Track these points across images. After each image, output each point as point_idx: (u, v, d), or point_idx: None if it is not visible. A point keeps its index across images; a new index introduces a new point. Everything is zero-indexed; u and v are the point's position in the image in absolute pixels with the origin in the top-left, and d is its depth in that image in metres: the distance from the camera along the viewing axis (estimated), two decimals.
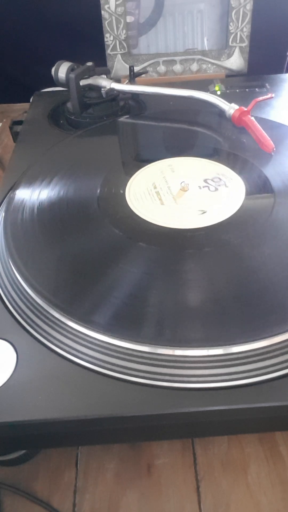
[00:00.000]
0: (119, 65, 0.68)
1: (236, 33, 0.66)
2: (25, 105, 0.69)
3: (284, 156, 0.46)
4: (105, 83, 0.55)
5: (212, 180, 0.43)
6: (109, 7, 0.63)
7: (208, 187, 0.42)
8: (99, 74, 0.57)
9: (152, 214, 0.39)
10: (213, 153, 0.47)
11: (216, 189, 0.42)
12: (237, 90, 0.62)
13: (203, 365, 0.29)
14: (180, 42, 0.69)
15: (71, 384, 0.28)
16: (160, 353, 0.29)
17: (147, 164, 0.46)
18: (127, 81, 0.61)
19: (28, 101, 0.64)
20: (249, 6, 0.64)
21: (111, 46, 0.66)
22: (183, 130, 0.53)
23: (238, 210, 0.39)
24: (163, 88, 0.56)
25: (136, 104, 0.60)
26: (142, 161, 0.47)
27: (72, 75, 0.53)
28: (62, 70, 0.55)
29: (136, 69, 0.64)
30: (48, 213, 0.40)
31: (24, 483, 0.35)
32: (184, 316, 0.31)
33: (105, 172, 0.45)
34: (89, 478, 0.35)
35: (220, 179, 0.43)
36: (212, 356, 0.29)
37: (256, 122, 0.49)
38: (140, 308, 0.31)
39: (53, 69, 0.56)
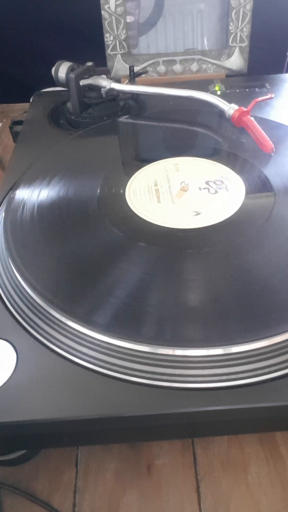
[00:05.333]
0: (119, 65, 0.68)
1: (236, 33, 0.66)
2: (25, 105, 0.69)
3: (284, 156, 0.46)
4: (105, 83, 0.55)
5: (214, 182, 0.43)
6: (109, 7, 0.63)
7: (209, 188, 0.42)
8: (99, 74, 0.57)
9: (152, 214, 0.39)
10: (213, 153, 0.47)
11: (217, 192, 0.42)
12: (237, 90, 0.62)
13: (203, 365, 0.29)
14: (180, 42, 0.69)
15: (71, 384, 0.28)
16: (160, 353, 0.29)
17: (147, 164, 0.46)
18: (127, 81, 0.61)
19: (28, 101, 0.64)
20: (249, 6, 0.64)
21: (111, 46, 0.66)
22: (183, 130, 0.53)
23: (238, 210, 0.39)
24: (163, 88, 0.56)
25: (136, 104, 0.60)
26: (142, 161, 0.47)
27: (72, 75, 0.53)
28: (62, 70, 0.55)
29: (136, 69, 0.64)
30: (48, 213, 0.40)
31: (24, 483, 0.35)
32: (184, 316, 0.31)
33: (105, 172, 0.45)
34: (89, 478, 0.35)
35: (222, 182, 0.43)
36: (212, 356, 0.29)
37: (255, 123, 0.49)
38: (140, 308, 0.31)
39: (53, 69, 0.56)
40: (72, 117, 0.56)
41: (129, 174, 0.45)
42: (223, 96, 0.58)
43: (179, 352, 0.29)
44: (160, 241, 0.36)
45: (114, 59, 0.68)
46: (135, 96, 0.60)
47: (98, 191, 0.42)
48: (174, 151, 0.48)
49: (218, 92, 0.61)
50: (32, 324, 0.32)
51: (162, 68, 0.69)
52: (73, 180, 0.44)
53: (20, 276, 0.34)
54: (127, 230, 0.38)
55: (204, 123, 0.53)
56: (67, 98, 0.57)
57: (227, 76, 0.69)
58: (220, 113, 0.53)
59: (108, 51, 0.67)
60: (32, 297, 0.33)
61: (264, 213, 0.39)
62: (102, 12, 0.63)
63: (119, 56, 0.67)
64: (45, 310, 0.32)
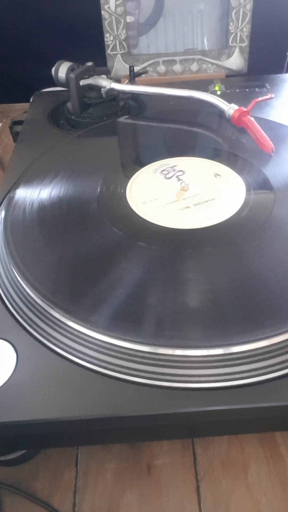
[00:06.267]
0: (119, 65, 0.68)
1: (236, 33, 0.66)
2: (25, 105, 0.69)
3: (284, 156, 0.46)
4: (105, 83, 0.55)
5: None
6: (109, 7, 0.63)
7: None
8: (99, 74, 0.57)
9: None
10: (213, 153, 0.48)
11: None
12: (237, 90, 0.62)
13: (203, 365, 0.29)
14: (180, 42, 0.69)
15: (71, 384, 0.28)
16: (160, 353, 0.29)
17: (147, 164, 0.46)
18: (127, 81, 0.61)
19: (28, 101, 0.64)
20: (249, 6, 0.64)
21: (111, 46, 0.66)
22: (183, 131, 0.53)
23: (238, 210, 0.39)
24: (163, 88, 0.56)
25: (136, 104, 0.60)
26: (142, 161, 0.47)
27: (72, 75, 0.53)
28: (62, 70, 0.55)
29: (136, 69, 0.64)
30: (48, 213, 0.40)
31: (24, 483, 0.35)
32: (184, 316, 0.31)
33: (105, 172, 0.45)
34: (89, 478, 0.35)
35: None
36: (212, 356, 0.29)
37: (255, 123, 0.49)
38: (140, 308, 0.31)
39: (53, 69, 0.56)
40: (72, 117, 0.56)
41: (129, 174, 0.45)
42: (223, 96, 0.58)
43: (179, 352, 0.29)
44: (160, 241, 0.36)
45: (114, 59, 0.68)
46: (135, 96, 0.60)
47: (98, 191, 0.42)
48: (174, 151, 0.48)
49: (218, 92, 0.61)
50: (32, 324, 0.32)
51: (162, 68, 0.69)
52: (73, 180, 0.44)
53: (20, 276, 0.34)
54: (127, 229, 0.38)
55: (204, 123, 0.53)
56: (67, 98, 0.57)
57: (227, 76, 0.69)
58: (220, 113, 0.53)
59: (108, 51, 0.67)
60: (32, 297, 0.33)
61: (264, 213, 0.39)
62: (102, 12, 0.63)
63: (119, 56, 0.67)
64: (45, 310, 0.32)
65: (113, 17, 0.64)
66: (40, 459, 0.36)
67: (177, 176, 0.44)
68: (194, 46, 0.69)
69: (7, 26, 0.75)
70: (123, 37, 0.65)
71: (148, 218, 0.39)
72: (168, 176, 0.44)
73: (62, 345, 0.30)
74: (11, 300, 0.34)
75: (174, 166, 0.45)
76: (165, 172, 0.44)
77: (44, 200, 0.41)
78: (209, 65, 0.69)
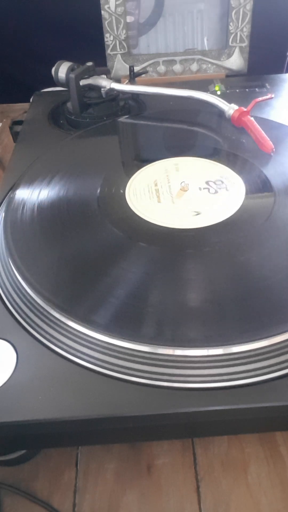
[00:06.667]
0: (119, 65, 0.68)
1: (236, 33, 0.66)
2: (25, 105, 0.69)
3: (284, 156, 0.46)
4: (105, 83, 0.55)
5: (214, 182, 0.43)
6: (109, 7, 0.63)
7: (209, 189, 0.42)
8: (99, 74, 0.57)
9: (152, 214, 0.39)
10: (213, 153, 0.47)
11: (217, 192, 0.42)
12: (237, 90, 0.62)
13: (203, 365, 0.29)
14: (180, 42, 0.69)
15: (71, 384, 0.28)
16: (160, 353, 0.29)
17: (147, 164, 0.46)
18: (127, 81, 0.61)
19: (28, 101, 0.64)
20: (249, 6, 0.64)
21: (111, 46, 0.66)
22: (183, 130, 0.53)
23: (238, 210, 0.39)
24: (163, 88, 0.56)
25: (136, 104, 0.60)
26: (142, 161, 0.47)
27: (72, 75, 0.53)
28: (62, 70, 0.55)
29: (136, 69, 0.64)
30: (48, 213, 0.40)
31: (24, 483, 0.35)
32: (184, 316, 0.31)
33: (105, 172, 0.45)
34: (89, 478, 0.35)
35: (222, 182, 0.43)
36: (212, 356, 0.29)
37: (255, 123, 0.49)
38: (140, 308, 0.31)
39: (53, 69, 0.56)
40: (72, 117, 0.56)
41: (129, 174, 0.44)
42: (223, 96, 0.58)
43: (179, 352, 0.29)
44: (160, 241, 0.36)
45: (114, 59, 0.68)
46: (135, 96, 0.60)
47: (98, 191, 0.42)
48: (174, 151, 0.48)
49: (218, 92, 0.61)
50: (32, 324, 0.32)
51: (162, 68, 0.69)
52: (73, 180, 0.44)
53: (20, 276, 0.34)
54: (127, 230, 0.38)
55: (204, 123, 0.53)
56: (67, 98, 0.57)
57: (227, 76, 0.69)
58: (220, 113, 0.53)
59: (108, 51, 0.67)
60: (32, 297, 0.33)
61: (264, 213, 0.39)
62: (102, 12, 0.63)
63: (119, 56, 0.67)
64: (45, 310, 0.32)
65: (113, 17, 0.64)
66: (40, 459, 0.36)
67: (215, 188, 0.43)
68: (194, 46, 0.69)
69: (7, 26, 0.75)
70: (123, 37, 0.65)
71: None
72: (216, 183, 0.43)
73: (62, 345, 0.30)
74: (11, 300, 0.34)
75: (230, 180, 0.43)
76: (218, 182, 0.43)
77: (44, 200, 0.41)
78: (209, 65, 0.69)
